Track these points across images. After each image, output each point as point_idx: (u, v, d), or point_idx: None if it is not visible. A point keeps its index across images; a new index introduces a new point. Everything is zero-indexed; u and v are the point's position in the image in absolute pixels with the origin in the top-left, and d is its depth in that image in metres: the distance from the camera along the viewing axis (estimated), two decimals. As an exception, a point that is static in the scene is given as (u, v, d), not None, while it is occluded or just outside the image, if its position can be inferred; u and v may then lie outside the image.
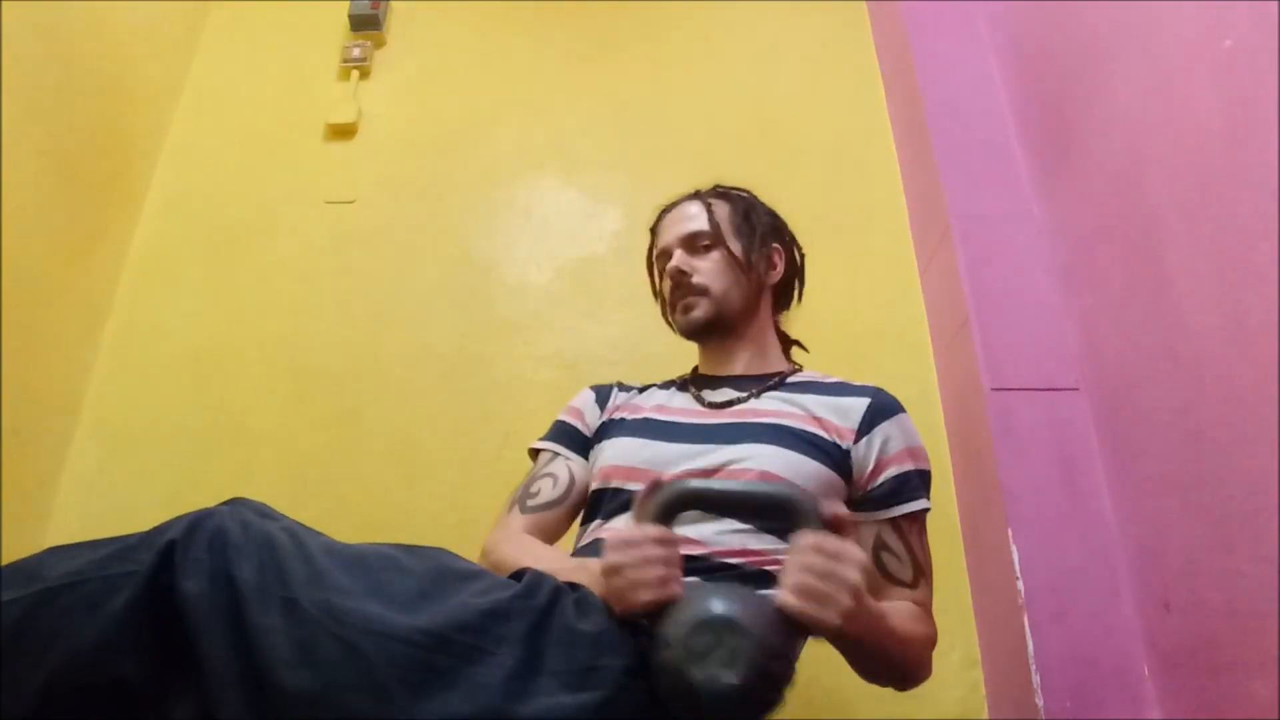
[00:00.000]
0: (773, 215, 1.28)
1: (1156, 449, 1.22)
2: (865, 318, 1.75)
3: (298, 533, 0.78)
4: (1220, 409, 1.07)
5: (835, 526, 0.79)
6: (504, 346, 1.80)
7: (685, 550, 0.93)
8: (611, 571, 0.81)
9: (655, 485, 0.84)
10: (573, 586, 0.85)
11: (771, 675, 0.74)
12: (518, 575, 0.85)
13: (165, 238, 1.94)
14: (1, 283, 1.52)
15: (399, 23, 2.20)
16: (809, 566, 0.77)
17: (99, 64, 1.82)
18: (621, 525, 1.00)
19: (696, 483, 0.87)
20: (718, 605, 0.75)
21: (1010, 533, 1.34)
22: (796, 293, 1.30)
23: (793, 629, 0.77)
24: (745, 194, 1.28)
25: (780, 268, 1.25)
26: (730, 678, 0.71)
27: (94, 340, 1.81)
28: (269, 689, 0.68)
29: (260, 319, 1.83)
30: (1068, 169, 1.50)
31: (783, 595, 0.77)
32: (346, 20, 2.13)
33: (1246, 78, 1.04)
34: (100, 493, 1.68)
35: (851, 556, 0.78)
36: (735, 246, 1.19)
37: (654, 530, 0.81)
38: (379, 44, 2.16)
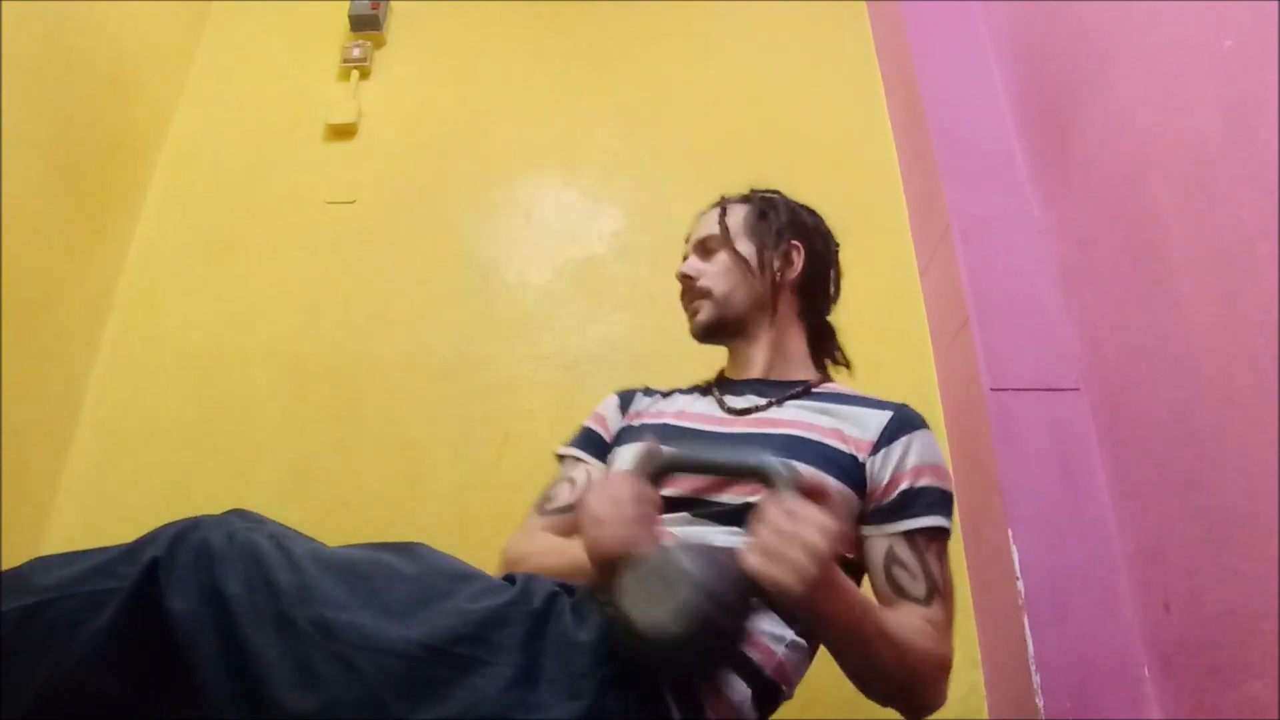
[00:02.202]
0: (796, 211, 1.23)
1: (1156, 449, 1.22)
2: (865, 318, 1.74)
3: (284, 542, 0.76)
4: (1220, 409, 1.07)
5: (810, 494, 0.80)
6: (504, 346, 1.80)
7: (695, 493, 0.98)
8: (592, 521, 0.85)
9: (649, 449, 0.89)
10: (568, 590, 0.85)
11: (717, 627, 0.74)
12: (510, 577, 0.85)
13: (165, 238, 1.94)
14: (1, 283, 1.52)
15: (399, 23, 2.20)
16: (771, 523, 0.77)
17: (99, 64, 1.82)
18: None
19: (678, 450, 0.92)
20: (675, 557, 0.77)
21: (1010, 533, 1.34)
22: (832, 288, 1.24)
23: (748, 585, 0.76)
24: (771, 194, 1.25)
25: (799, 263, 1.19)
26: (674, 627, 0.72)
27: (94, 340, 1.81)
28: (269, 707, 0.67)
29: (260, 319, 1.83)
30: (1068, 169, 1.50)
31: (742, 553, 0.77)
32: (346, 20, 2.13)
33: (1246, 78, 1.04)
34: (100, 493, 1.68)
35: (816, 519, 0.76)
36: (744, 246, 1.17)
37: (636, 487, 0.85)
38: (379, 44, 2.16)
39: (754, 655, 0.88)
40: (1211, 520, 1.09)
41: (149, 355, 1.81)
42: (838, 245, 1.26)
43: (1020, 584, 1.30)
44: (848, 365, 1.24)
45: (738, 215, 1.21)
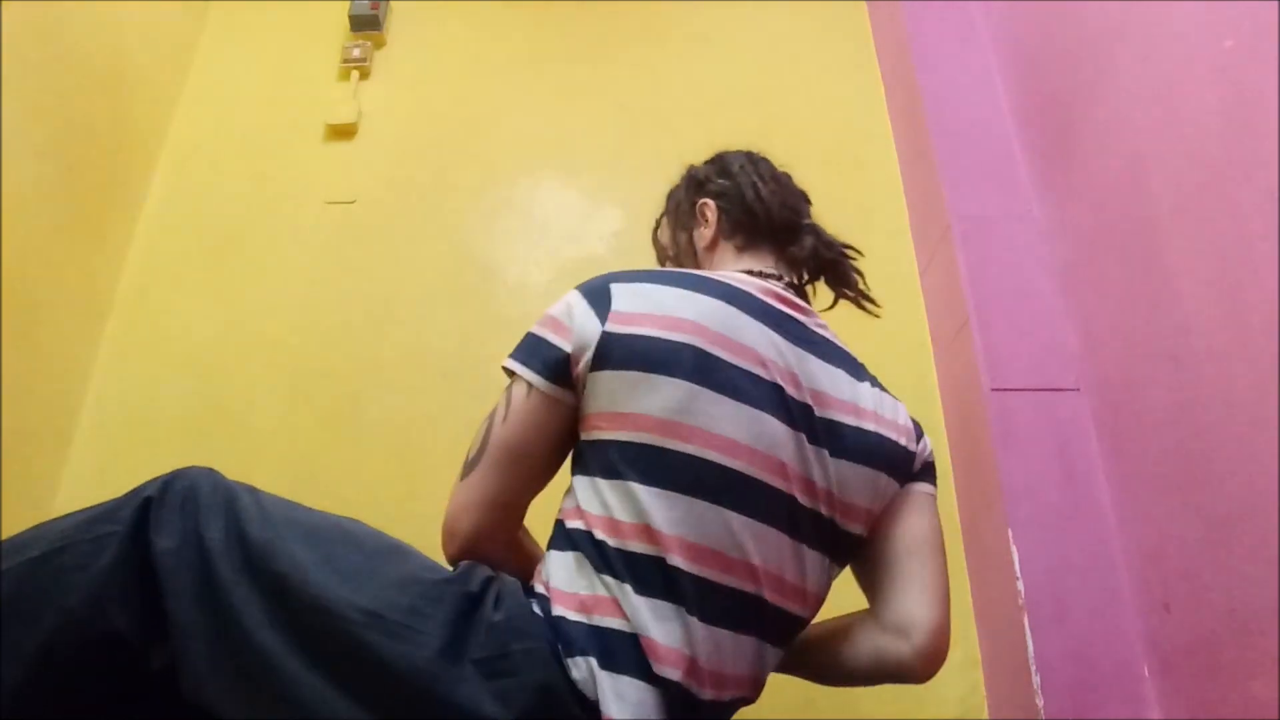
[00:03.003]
0: (692, 173, 1.20)
1: (1156, 449, 1.22)
2: (865, 318, 1.74)
3: (261, 500, 0.84)
4: (1220, 409, 1.07)
5: None
6: (504, 346, 1.78)
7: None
8: None
9: None
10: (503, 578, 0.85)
11: None
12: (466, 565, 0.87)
13: (165, 237, 1.94)
14: (2, 282, 1.52)
15: (399, 23, 2.20)
16: None
17: (99, 64, 1.82)
18: None
19: None
20: None
21: (1010, 533, 1.34)
22: (761, 198, 1.12)
23: None
24: (693, 168, 1.24)
25: (712, 216, 1.13)
26: None
27: (94, 340, 1.81)
28: (237, 641, 0.74)
29: (260, 319, 1.83)
30: (1068, 169, 1.50)
31: None
32: (346, 20, 2.13)
33: (1246, 78, 1.04)
34: (100, 493, 1.66)
35: None
36: (663, 234, 1.22)
37: None
38: (379, 44, 2.16)
39: None
40: (1211, 520, 1.09)
41: (149, 355, 1.81)
42: (756, 162, 1.18)
43: (1020, 584, 1.30)
44: (855, 299, 1.16)
45: (663, 222, 1.25)
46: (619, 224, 1.93)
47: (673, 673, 0.79)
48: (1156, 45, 1.23)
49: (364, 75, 2.11)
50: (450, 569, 0.86)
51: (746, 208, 1.13)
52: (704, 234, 1.14)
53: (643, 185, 1.99)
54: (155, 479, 0.83)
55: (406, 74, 2.13)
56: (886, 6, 2.04)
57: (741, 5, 2.19)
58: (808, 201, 1.19)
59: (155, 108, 2.03)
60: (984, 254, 1.57)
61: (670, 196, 1.24)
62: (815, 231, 1.15)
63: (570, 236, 1.93)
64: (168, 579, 0.76)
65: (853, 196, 1.88)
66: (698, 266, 1.15)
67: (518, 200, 1.97)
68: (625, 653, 0.79)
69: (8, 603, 0.76)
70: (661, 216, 1.26)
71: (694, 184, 1.20)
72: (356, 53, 2.09)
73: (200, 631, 0.75)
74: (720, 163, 1.20)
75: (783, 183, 1.18)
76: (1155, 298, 1.22)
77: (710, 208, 1.15)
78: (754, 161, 1.19)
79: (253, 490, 0.85)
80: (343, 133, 2.04)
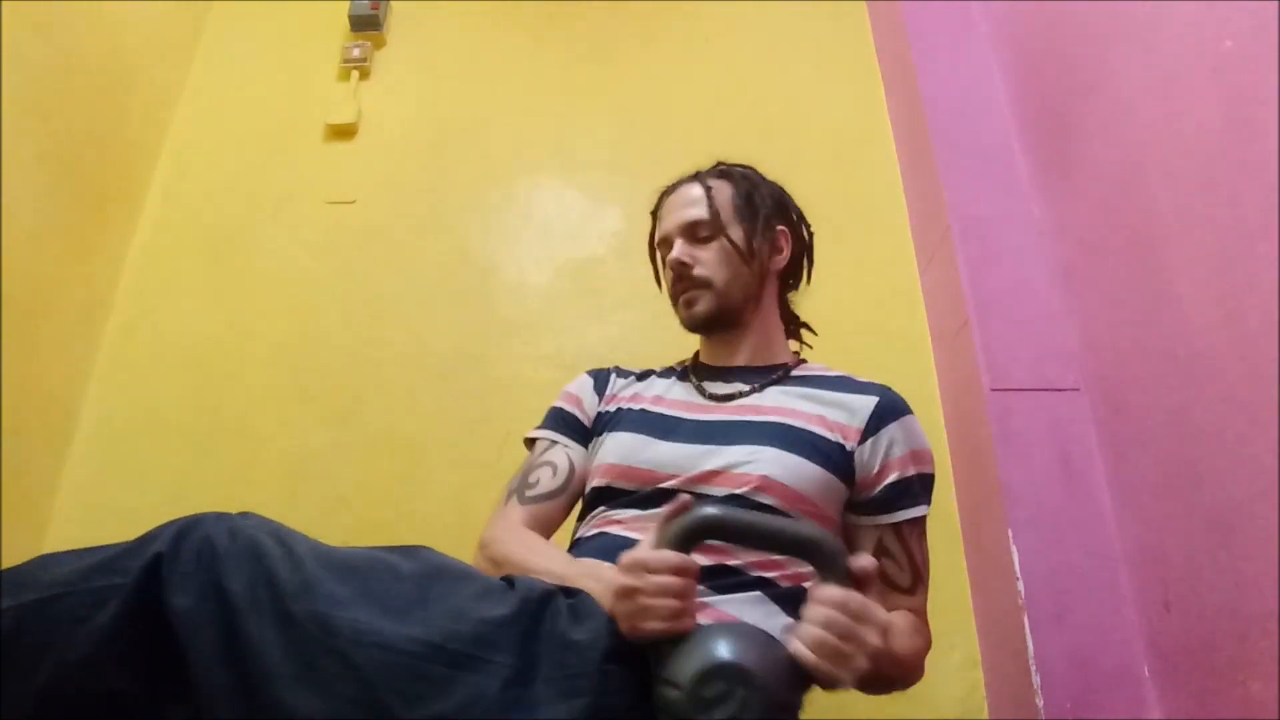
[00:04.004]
0: (778, 194, 1.20)
1: (1156, 449, 1.22)
2: (865, 318, 1.75)
3: (286, 539, 0.77)
4: (1220, 409, 1.07)
5: (859, 581, 0.76)
6: (504, 346, 1.80)
7: (719, 560, 0.92)
8: (624, 594, 0.77)
9: (678, 509, 0.79)
10: (568, 591, 0.84)
11: None
12: (508, 578, 0.84)
13: (165, 238, 1.94)
14: (1, 283, 1.52)
15: (399, 23, 2.20)
16: (830, 623, 0.73)
17: (99, 64, 1.82)
18: (646, 528, 0.93)
19: (721, 511, 0.81)
20: (730, 651, 0.72)
21: (1010, 533, 1.34)
22: (806, 273, 1.22)
23: (803, 681, 0.74)
24: (748, 172, 1.21)
25: (786, 251, 1.17)
26: None
27: (94, 340, 1.81)
28: (266, 704, 0.68)
29: (260, 319, 1.83)
30: (1068, 169, 1.50)
31: (798, 647, 0.73)
32: (346, 20, 2.13)
33: (1246, 78, 1.04)
34: (100, 493, 1.68)
35: (876, 619, 0.75)
36: (737, 234, 1.13)
37: (673, 557, 0.77)
38: (379, 44, 2.16)
39: None
40: (1211, 520, 1.09)
41: (149, 355, 1.81)
42: (813, 230, 1.23)
43: (1020, 584, 1.30)
44: (813, 333, 1.26)
45: (724, 196, 1.16)
46: (619, 224, 1.93)
47: None
48: (1156, 45, 1.23)
49: (364, 75, 2.11)
50: (503, 583, 0.83)
51: (801, 270, 1.21)
52: (777, 260, 1.17)
53: (643, 185, 1.98)
54: (165, 529, 0.76)
55: (406, 74, 2.13)
56: (886, 6, 2.04)
57: (741, 5, 2.19)
58: None
59: (155, 108, 2.03)
60: (984, 254, 1.57)
61: (749, 190, 1.17)
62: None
63: (570, 236, 1.93)
64: (188, 640, 0.70)
65: (853, 197, 1.88)
66: (752, 274, 1.14)
67: (518, 200, 1.97)
68: None
69: (5, 646, 0.71)
70: (711, 178, 1.19)
71: (781, 206, 1.20)
72: (356, 53, 2.09)
73: (226, 694, 0.69)
74: (796, 206, 1.23)
75: None
76: (1155, 298, 1.22)
77: (787, 241, 1.18)
78: (811, 229, 1.25)
79: (275, 531, 0.78)
80: (343, 133, 2.04)
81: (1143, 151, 1.26)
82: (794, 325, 1.24)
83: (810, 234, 1.23)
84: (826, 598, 0.75)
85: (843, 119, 2.02)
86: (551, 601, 0.80)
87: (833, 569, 0.76)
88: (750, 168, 1.22)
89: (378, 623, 0.71)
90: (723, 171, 1.20)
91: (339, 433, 1.71)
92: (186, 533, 0.74)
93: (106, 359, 1.81)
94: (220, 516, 0.77)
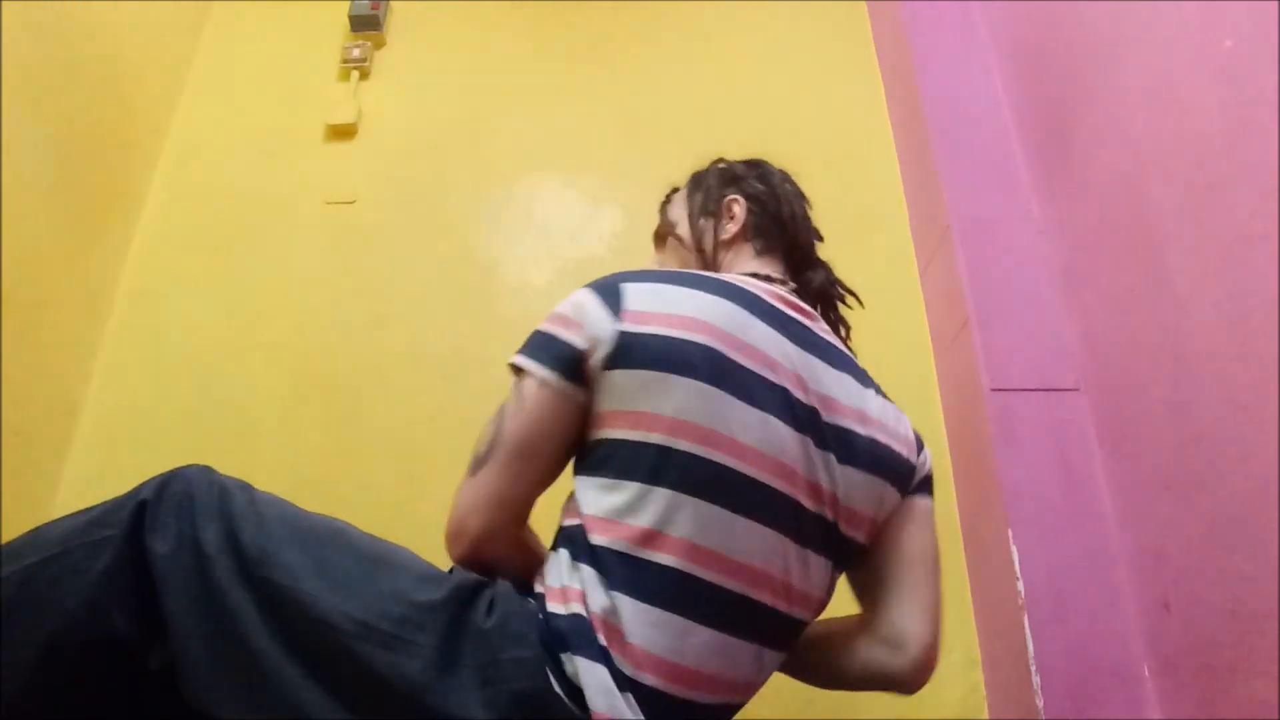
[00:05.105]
0: (728, 168, 1.19)
1: (1156, 449, 1.22)
2: (865, 318, 1.74)
3: (257, 501, 0.83)
4: (1220, 409, 1.07)
5: None
6: (504, 347, 1.78)
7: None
8: None
9: None
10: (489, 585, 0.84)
11: None
12: (452, 569, 0.87)
13: (165, 238, 1.94)
14: (1, 283, 1.52)
15: (399, 23, 2.20)
16: None
17: (99, 64, 1.82)
18: None
19: None
20: None
21: (1010, 533, 1.34)
22: (790, 219, 1.14)
23: None
24: (719, 163, 1.22)
25: (740, 213, 1.12)
26: None
27: (94, 340, 1.81)
28: (234, 644, 0.74)
29: (260, 319, 1.83)
30: (1068, 169, 1.50)
31: None
32: (346, 20, 2.13)
33: (1246, 78, 1.04)
34: (100, 493, 1.66)
35: None
36: (680, 220, 1.17)
37: None
38: (379, 44, 2.16)
39: None
40: (1211, 520, 1.09)
41: (149, 355, 1.81)
42: (791, 183, 1.20)
43: (1020, 584, 1.30)
44: (854, 303, 1.17)
45: (679, 196, 1.21)
46: (619, 224, 1.93)
47: (650, 678, 0.78)
48: (1156, 45, 1.23)
49: (364, 75, 2.11)
50: (445, 572, 0.85)
51: (779, 219, 1.13)
52: (727, 228, 1.13)
53: (643, 185, 1.99)
54: (152, 480, 0.82)
55: (406, 74, 2.13)
56: (886, 6, 2.04)
57: (741, 5, 2.19)
58: (820, 237, 1.20)
59: (155, 108, 2.03)
60: (984, 254, 1.57)
61: (697, 179, 1.21)
62: (827, 268, 1.16)
63: (570, 236, 1.93)
64: (164, 583, 0.76)
65: (853, 197, 1.88)
66: (703, 255, 1.13)
67: (518, 200, 1.97)
68: (593, 643, 0.78)
69: (7, 609, 0.76)
70: (675, 191, 1.24)
71: (729, 178, 1.19)
72: (356, 53, 2.09)
73: (199, 634, 0.75)
74: (759, 169, 1.20)
75: (809, 212, 1.20)
76: (1155, 298, 1.22)
77: (740, 205, 1.14)
78: (791, 181, 1.21)
79: (247, 489, 0.85)
80: (343, 133, 2.04)
81: (1143, 152, 1.26)
82: (819, 286, 1.15)
83: (785, 185, 1.18)
84: None
85: (843, 119, 2.02)
86: (481, 592, 0.82)
87: None
88: (719, 158, 1.24)
89: (320, 595, 0.76)
90: (691, 176, 1.23)
91: (339, 433, 1.71)
92: (169, 482, 0.82)
93: (106, 359, 1.81)
94: (204, 469, 0.84)
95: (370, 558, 0.82)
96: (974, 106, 1.74)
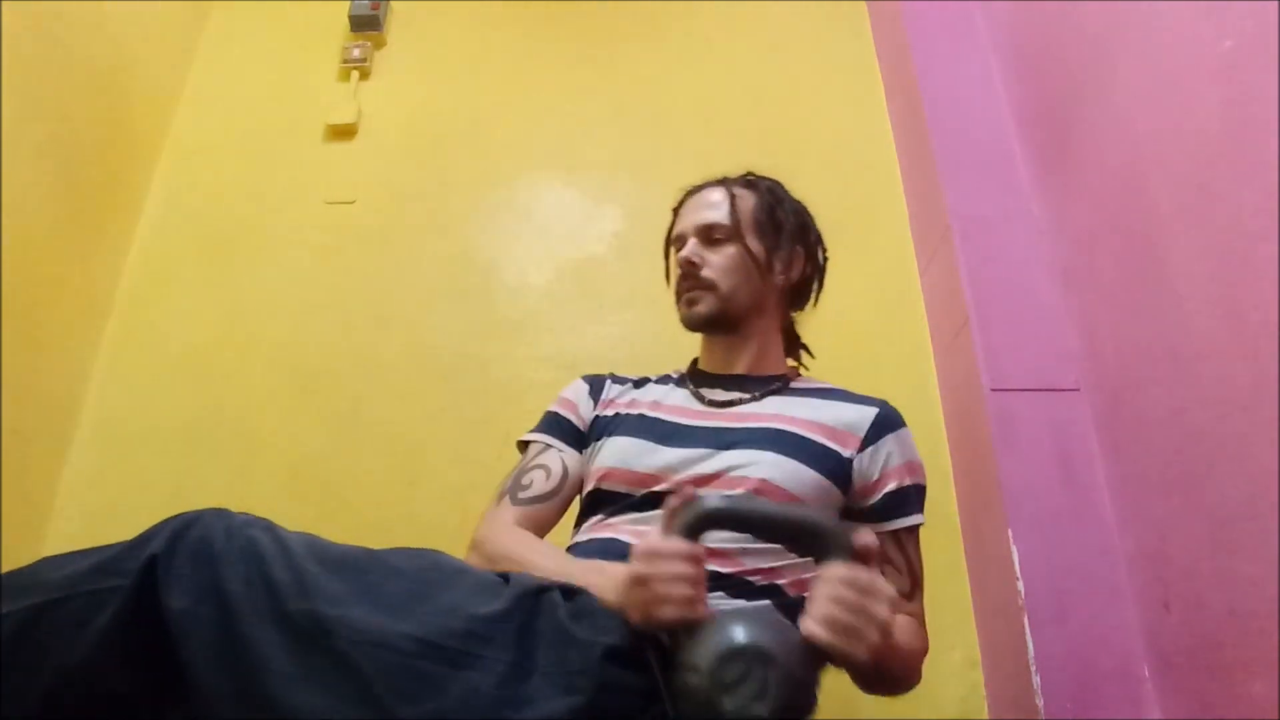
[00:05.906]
0: (801, 213, 1.22)
1: (1156, 449, 1.22)
2: (865, 318, 1.75)
3: (282, 538, 0.77)
4: (1220, 409, 1.07)
5: (862, 557, 0.77)
6: (504, 346, 1.80)
7: (730, 568, 0.94)
8: (637, 582, 0.78)
9: (686, 500, 0.81)
10: (568, 590, 0.84)
11: (799, 707, 0.73)
12: (504, 575, 0.85)
13: (165, 238, 1.94)
14: (2, 283, 1.52)
15: (399, 23, 2.20)
16: (840, 599, 0.75)
17: (99, 64, 1.82)
18: (644, 531, 0.95)
19: (727, 501, 0.84)
20: (748, 634, 0.73)
21: (1010, 533, 1.34)
22: (814, 295, 1.24)
23: (819, 660, 0.75)
24: (774, 186, 1.22)
25: (798, 269, 1.20)
26: (761, 710, 0.70)
27: (94, 340, 1.81)
28: (265, 704, 0.68)
29: (260, 319, 1.83)
30: (1068, 169, 1.50)
31: (811, 626, 0.75)
32: (346, 20, 2.13)
33: (1246, 78, 1.04)
34: (100, 493, 1.68)
35: (882, 592, 0.76)
36: (754, 244, 1.15)
37: (684, 545, 0.78)
38: (379, 44, 2.16)
39: None
40: (1211, 520, 1.09)
41: (149, 355, 1.81)
42: (828, 255, 1.26)
43: (1020, 584, 1.30)
44: (810, 355, 1.27)
45: (746, 205, 1.18)
46: (619, 224, 1.93)
47: None
48: (1156, 45, 1.23)
49: (364, 75, 2.11)
50: (500, 578, 0.84)
51: (809, 291, 1.23)
52: (789, 277, 1.18)
53: (643, 185, 2.00)
54: (161, 527, 0.76)
55: (406, 74, 2.13)
56: (886, 7, 2.04)
57: (741, 5, 2.19)
58: None
59: (155, 108, 2.03)
60: (984, 254, 1.57)
61: (773, 203, 1.19)
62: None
63: (570, 236, 1.93)
64: (184, 641, 0.69)
65: (853, 197, 1.88)
66: (764, 288, 1.16)
67: (518, 200, 1.97)
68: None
69: (8, 650, 0.71)
70: (738, 185, 1.20)
71: (806, 228, 1.22)
72: (356, 53, 2.09)
73: (224, 695, 0.69)
74: (819, 234, 1.24)
75: None
76: (1155, 298, 1.22)
77: (802, 261, 1.20)
78: (826, 253, 1.26)
79: (271, 526, 0.79)
80: (343, 133, 2.04)
81: (1143, 151, 1.26)
82: (794, 344, 1.26)
83: (825, 258, 1.25)
84: (834, 575, 0.76)
85: (843, 119, 2.02)
86: (546, 596, 0.81)
87: (837, 547, 0.78)
88: (777, 182, 1.24)
89: (374, 620, 0.71)
90: (750, 181, 1.23)
91: (339, 433, 1.71)
92: (183, 532, 0.75)
93: (106, 359, 1.81)
94: (218, 514, 0.78)
95: (415, 576, 0.79)
96: (974, 106, 1.74)
